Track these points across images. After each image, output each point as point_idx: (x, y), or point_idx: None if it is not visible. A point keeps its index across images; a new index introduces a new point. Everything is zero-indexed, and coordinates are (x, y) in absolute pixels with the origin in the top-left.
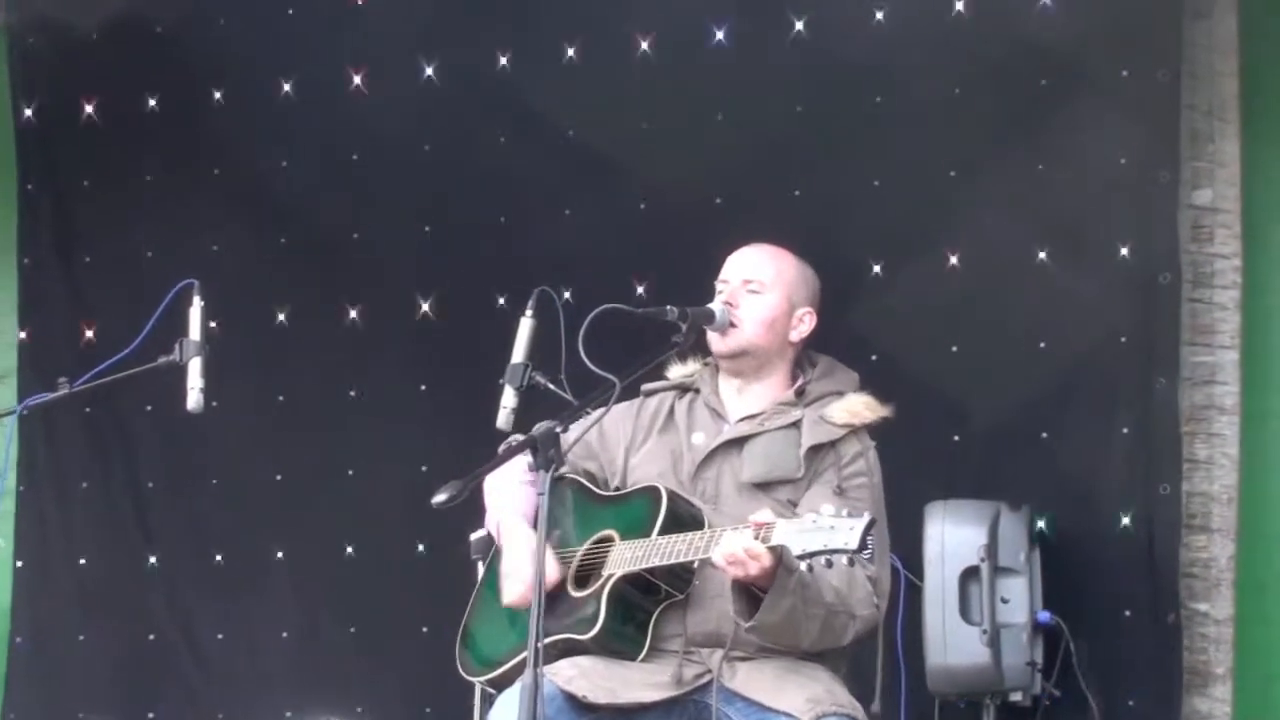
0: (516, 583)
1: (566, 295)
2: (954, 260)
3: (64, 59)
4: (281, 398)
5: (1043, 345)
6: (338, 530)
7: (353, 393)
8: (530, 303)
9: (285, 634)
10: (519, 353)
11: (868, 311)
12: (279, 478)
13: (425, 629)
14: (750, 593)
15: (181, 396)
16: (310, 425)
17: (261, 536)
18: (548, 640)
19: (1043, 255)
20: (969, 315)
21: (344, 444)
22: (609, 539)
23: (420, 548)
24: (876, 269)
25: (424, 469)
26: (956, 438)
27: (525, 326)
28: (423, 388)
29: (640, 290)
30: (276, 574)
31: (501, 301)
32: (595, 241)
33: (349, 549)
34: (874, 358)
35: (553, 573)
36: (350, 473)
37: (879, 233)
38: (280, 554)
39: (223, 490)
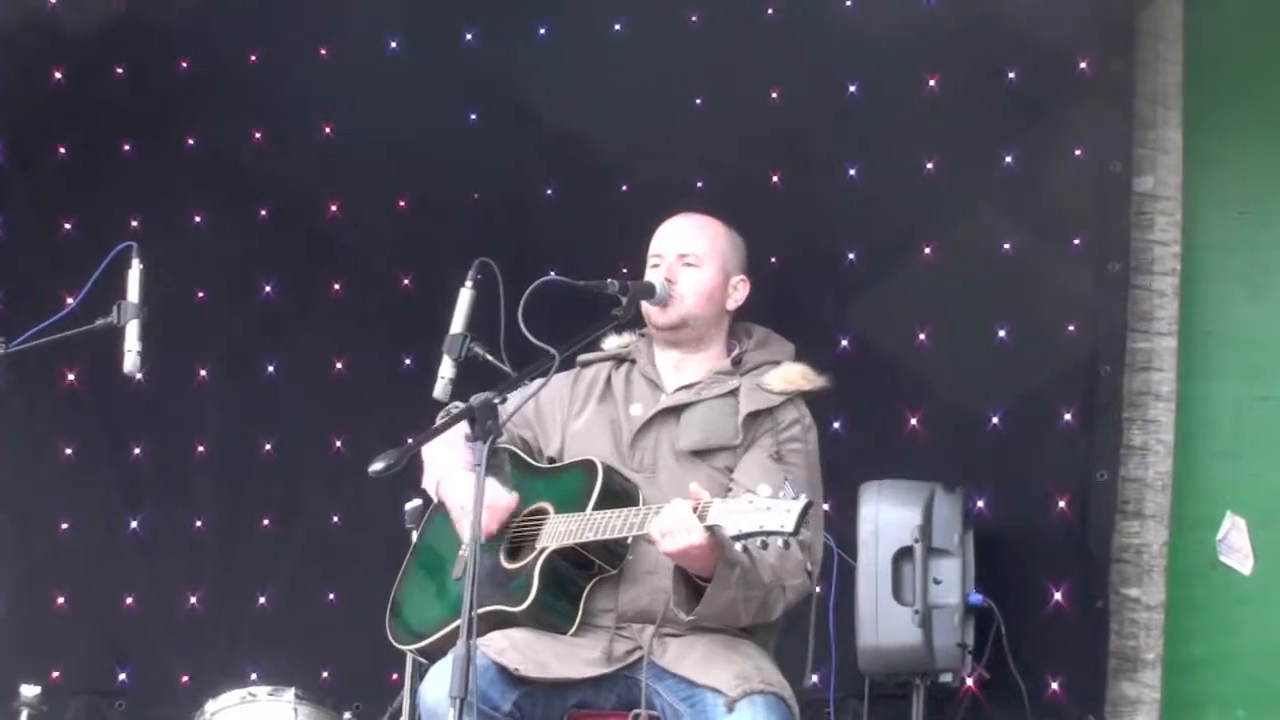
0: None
1: (553, 273)
2: (926, 250)
3: (33, 31)
4: (270, 368)
5: (1001, 334)
6: (324, 502)
7: (338, 365)
8: (470, 273)
9: (262, 599)
10: (458, 323)
11: (839, 298)
12: (267, 447)
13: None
14: (691, 582)
15: (118, 358)
16: (297, 395)
17: (247, 504)
18: (479, 611)
19: (1006, 246)
20: (936, 303)
21: (330, 414)
22: (543, 511)
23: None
24: (851, 257)
25: (409, 440)
26: (914, 421)
27: (464, 297)
28: (407, 362)
29: (624, 272)
30: (259, 541)
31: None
32: (576, 223)
33: (334, 518)
34: (844, 343)
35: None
36: (337, 444)
37: (853, 222)
38: (266, 521)
39: (209, 458)
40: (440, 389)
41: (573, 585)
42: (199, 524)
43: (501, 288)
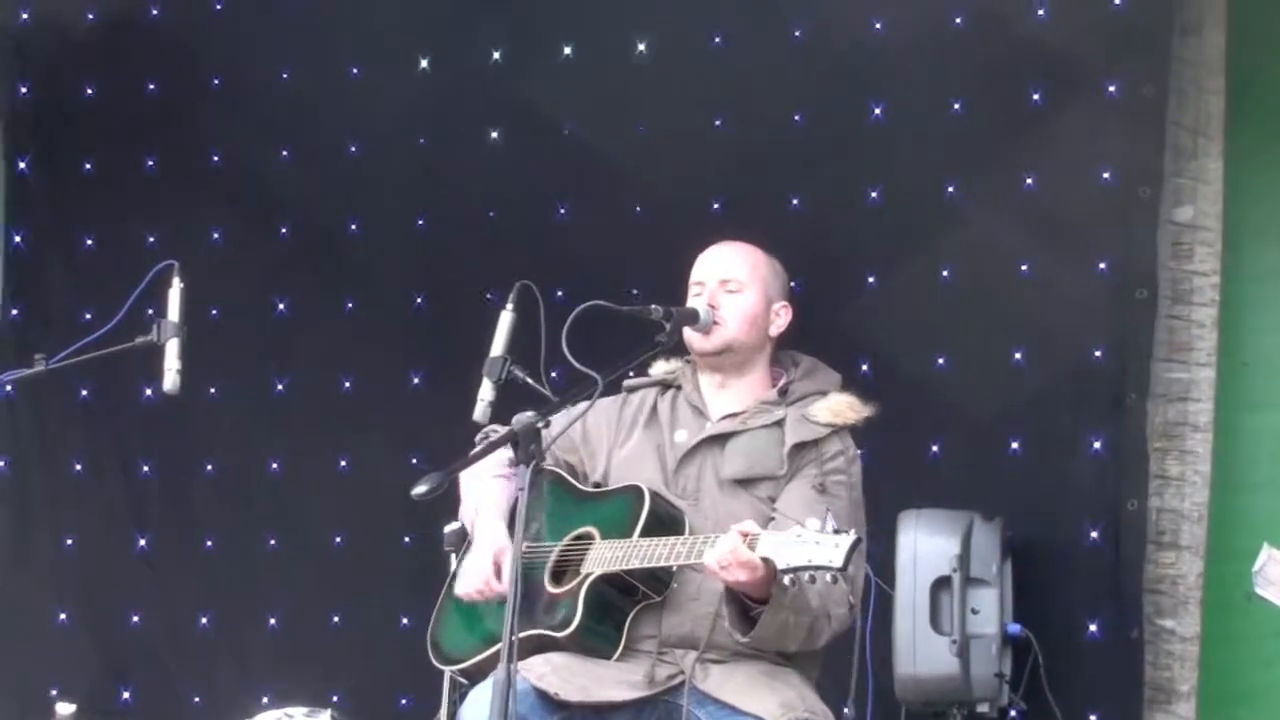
0: (473, 578)
1: (560, 294)
2: (945, 272)
3: (62, 43)
4: (280, 387)
5: (1018, 357)
6: (329, 520)
7: (347, 384)
8: (511, 296)
9: (272, 621)
10: (498, 346)
11: (859, 321)
12: (274, 466)
13: (406, 620)
14: (741, 604)
15: (159, 377)
16: (306, 414)
17: (255, 524)
18: (522, 635)
19: (1025, 268)
20: (955, 326)
21: (337, 434)
22: (588, 536)
23: (406, 539)
24: (870, 279)
25: (413, 461)
26: (935, 447)
27: (505, 320)
28: (415, 381)
29: (635, 293)
30: (267, 562)
31: (489, 297)
32: (591, 242)
33: (337, 539)
34: (864, 367)
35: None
36: (343, 463)
37: (875, 244)
38: (273, 542)
39: (218, 477)
40: (480, 411)
41: (617, 611)
42: (209, 544)
43: (543, 311)
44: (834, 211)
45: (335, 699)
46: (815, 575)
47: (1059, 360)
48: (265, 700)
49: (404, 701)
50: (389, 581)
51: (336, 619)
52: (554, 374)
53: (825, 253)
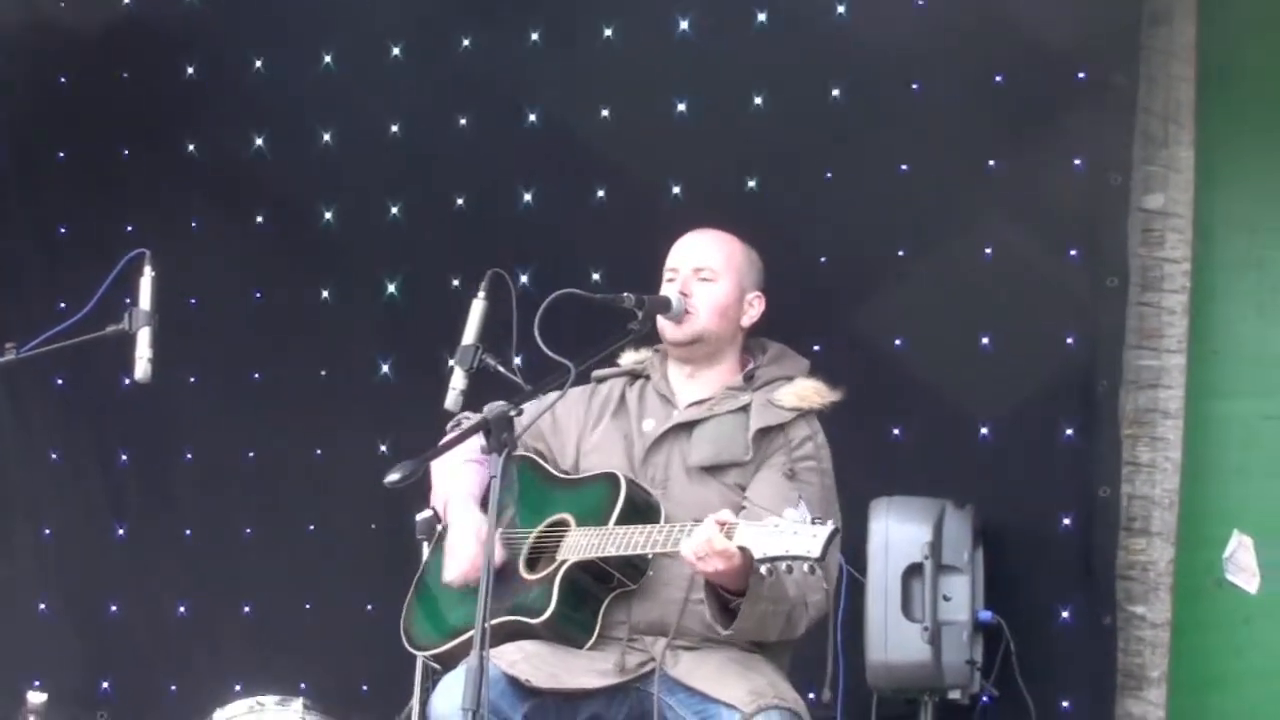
0: (460, 561)
1: (524, 279)
2: (902, 254)
3: (35, 33)
4: (257, 375)
5: (986, 343)
6: (302, 508)
7: (323, 372)
8: (483, 284)
9: (246, 609)
10: (470, 334)
11: (813, 303)
12: (251, 454)
13: (370, 607)
14: (721, 597)
15: (131, 365)
16: (282, 403)
17: (231, 513)
18: (496, 622)
19: (989, 252)
20: (915, 310)
21: (312, 423)
22: (564, 523)
23: (373, 526)
24: (823, 260)
25: (382, 448)
26: (898, 432)
27: (476, 308)
28: (384, 369)
29: (595, 277)
30: (242, 551)
31: (456, 284)
32: (555, 226)
33: (310, 527)
34: (816, 349)
35: (498, 557)
36: (318, 451)
37: (827, 224)
38: (248, 530)
39: (196, 466)
40: (451, 400)
41: (592, 599)
42: (187, 533)
43: (514, 299)
44: (794, 195)
45: (304, 686)
46: (792, 565)
47: (1030, 347)
48: (238, 688)
49: (364, 689)
50: (356, 569)
51: (308, 606)
52: (518, 359)
53: (784, 236)
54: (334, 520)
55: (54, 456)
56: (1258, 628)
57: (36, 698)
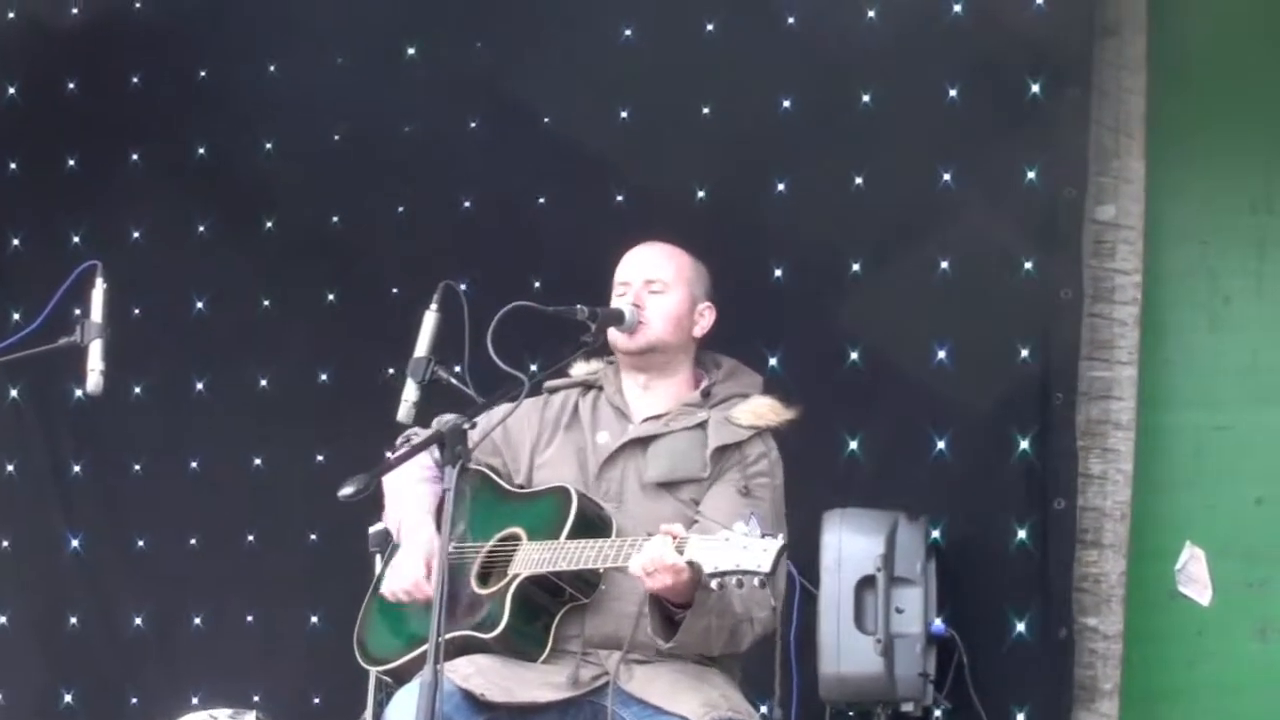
0: (401, 578)
1: (463, 287)
2: (856, 267)
3: None
4: (200, 385)
5: (942, 355)
6: (243, 518)
7: (263, 382)
8: (435, 296)
9: (197, 620)
10: (422, 346)
11: (766, 314)
12: (194, 465)
13: (315, 619)
14: (664, 608)
15: (82, 377)
16: (223, 413)
17: (177, 523)
18: (448, 636)
19: (945, 265)
20: (870, 322)
21: (252, 433)
22: (515, 537)
23: (313, 537)
24: (778, 272)
25: (319, 459)
26: (853, 445)
27: (429, 320)
28: (323, 377)
29: (536, 285)
30: (190, 561)
31: (396, 291)
32: (494, 234)
33: (250, 537)
34: (771, 361)
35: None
36: (257, 461)
37: (780, 235)
38: (193, 541)
39: (143, 476)
40: (404, 412)
41: (544, 613)
42: (139, 543)
43: (466, 311)
44: (745, 207)
45: (256, 699)
46: (743, 580)
47: (985, 359)
48: (195, 700)
49: (316, 701)
50: (297, 581)
51: (250, 618)
52: (458, 368)
53: (736, 248)
54: (273, 531)
55: (9, 468)
56: (1210, 639)
57: None
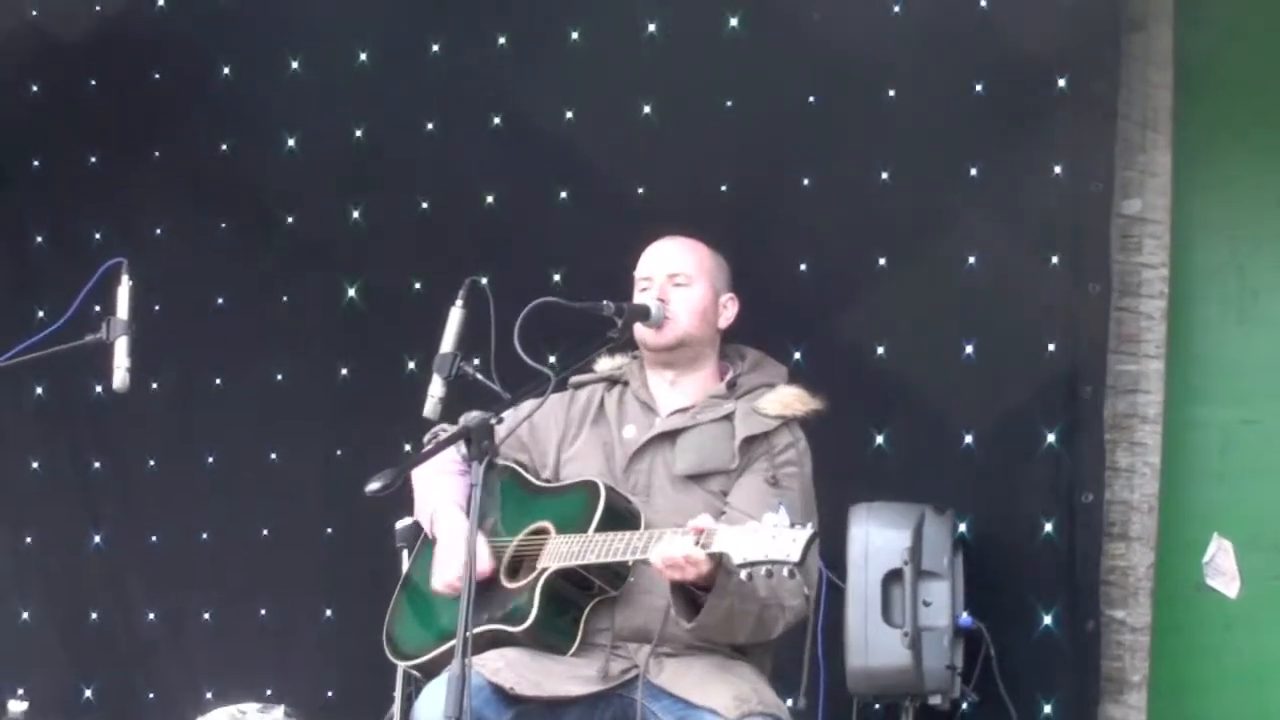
0: (446, 570)
1: (485, 281)
2: (883, 262)
3: (5, 41)
4: (218, 381)
5: (969, 350)
6: (258, 513)
7: (279, 377)
8: (461, 293)
9: (207, 615)
10: (448, 342)
11: (792, 309)
12: (210, 460)
13: (330, 613)
14: (687, 592)
15: (108, 374)
16: (241, 409)
17: (192, 518)
18: (477, 630)
19: (971, 260)
20: (896, 317)
21: (269, 428)
22: (544, 531)
23: (329, 531)
24: (803, 267)
25: (338, 453)
26: (879, 439)
27: (455, 316)
28: (343, 372)
29: (556, 278)
30: (203, 556)
31: (418, 287)
32: (516, 228)
33: (264, 531)
34: (797, 356)
35: (485, 563)
36: (273, 456)
37: (805, 230)
38: (205, 535)
39: (159, 472)
40: (430, 408)
41: (573, 606)
42: (154, 539)
43: (492, 307)
44: (771, 202)
45: (270, 693)
46: (772, 570)
47: (1013, 353)
48: (209, 696)
49: (329, 694)
50: (312, 575)
51: (264, 613)
52: (475, 361)
53: (762, 242)
54: (288, 526)
55: (34, 465)
56: (1237, 632)
57: (17, 707)
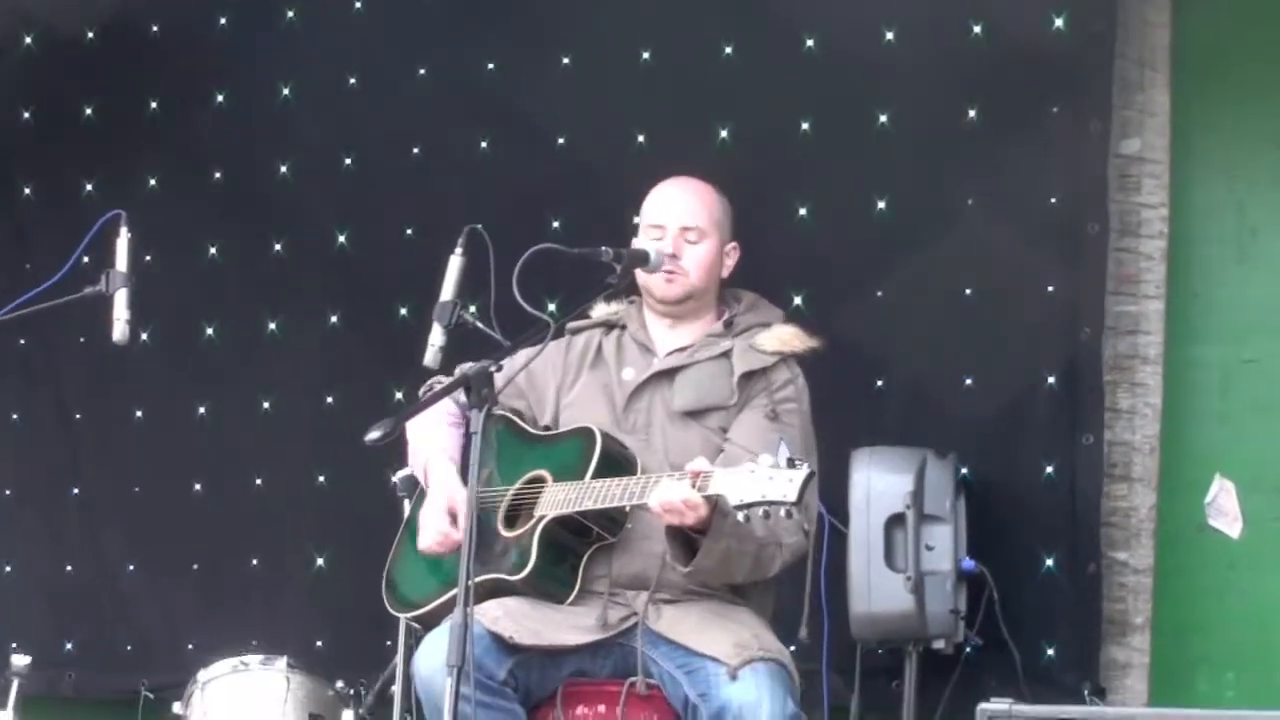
0: (430, 531)
1: (479, 227)
2: (881, 205)
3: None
4: (209, 331)
5: (968, 293)
6: (251, 463)
7: (271, 325)
8: (461, 240)
9: (195, 566)
10: (448, 291)
11: (792, 255)
12: (201, 411)
13: (321, 561)
14: (684, 535)
15: (108, 327)
16: (231, 359)
17: (180, 470)
18: (476, 580)
19: (970, 201)
20: (895, 261)
21: (260, 378)
22: (541, 479)
23: (320, 479)
24: (802, 212)
25: (329, 400)
26: (880, 383)
27: (454, 264)
28: (332, 320)
29: (555, 225)
30: (191, 507)
31: (409, 233)
32: (511, 177)
33: (258, 481)
34: (797, 300)
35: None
36: (265, 405)
37: (805, 175)
38: (197, 486)
39: (146, 423)
40: (430, 357)
41: (571, 554)
42: (138, 490)
43: (492, 256)
44: (770, 147)
45: (254, 643)
46: (769, 511)
47: (1011, 295)
48: (190, 648)
49: (319, 644)
50: (304, 524)
51: (255, 562)
52: (473, 309)
53: (761, 188)
54: (281, 474)
55: (14, 417)
56: (1240, 572)
57: (20, 660)
